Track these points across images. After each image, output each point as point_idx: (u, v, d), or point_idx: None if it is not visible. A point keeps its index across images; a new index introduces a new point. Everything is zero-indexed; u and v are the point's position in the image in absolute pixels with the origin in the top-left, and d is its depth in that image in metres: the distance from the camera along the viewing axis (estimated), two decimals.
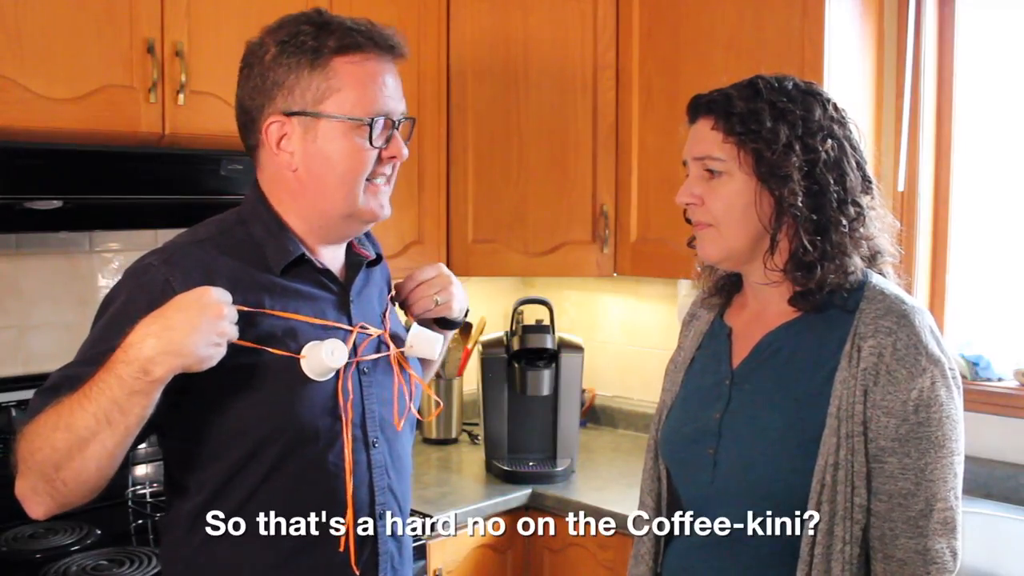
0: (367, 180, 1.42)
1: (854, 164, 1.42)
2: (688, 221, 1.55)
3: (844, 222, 1.40)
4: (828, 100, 1.44)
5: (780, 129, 1.39)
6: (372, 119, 1.39)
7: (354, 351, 1.44)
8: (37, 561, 1.94)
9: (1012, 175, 2.42)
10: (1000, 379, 2.40)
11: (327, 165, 1.40)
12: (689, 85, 2.50)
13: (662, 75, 2.56)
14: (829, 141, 1.40)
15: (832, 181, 1.39)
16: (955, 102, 2.47)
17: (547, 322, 2.64)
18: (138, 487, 2.34)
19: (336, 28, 1.39)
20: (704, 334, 1.58)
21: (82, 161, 1.94)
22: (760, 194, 1.40)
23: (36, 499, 1.29)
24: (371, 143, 1.40)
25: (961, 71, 2.47)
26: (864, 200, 1.43)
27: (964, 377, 2.41)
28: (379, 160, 1.42)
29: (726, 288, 1.57)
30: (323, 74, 1.38)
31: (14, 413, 2.12)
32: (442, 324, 1.67)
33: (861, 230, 1.42)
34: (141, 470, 2.35)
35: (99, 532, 2.08)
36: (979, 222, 2.48)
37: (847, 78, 2.34)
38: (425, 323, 1.61)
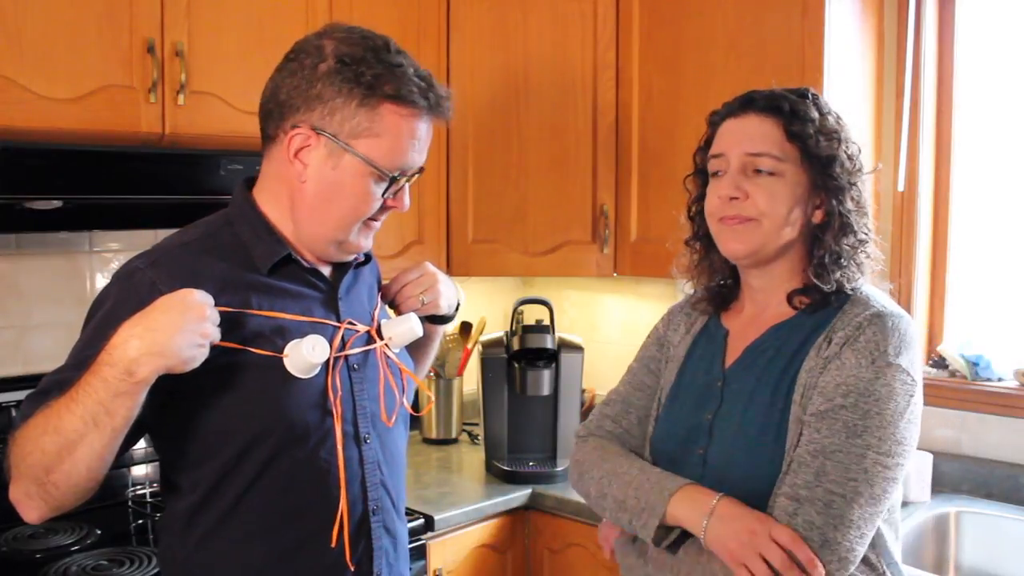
0: (365, 220, 1.44)
1: (866, 185, 1.49)
2: (691, 219, 1.57)
3: (868, 236, 1.46)
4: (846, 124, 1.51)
5: (850, 144, 1.46)
6: (394, 175, 1.41)
7: (342, 346, 1.44)
8: (37, 561, 1.94)
9: (1012, 175, 2.42)
10: (1000, 379, 2.40)
11: (335, 194, 1.40)
12: (689, 85, 2.51)
13: (662, 75, 2.56)
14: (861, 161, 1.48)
15: (861, 196, 1.47)
16: (955, 102, 2.48)
17: (547, 322, 2.64)
18: (138, 487, 2.34)
19: (400, 75, 1.37)
20: (698, 334, 1.59)
21: (82, 161, 1.94)
22: (812, 199, 1.45)
23: (30, 503, 1.30)
24: (382, 195, 1.42)
25: (961, 71, 2.47)
26: (868, 218, 1.49)
27: (964, 377, 2.41)
28: (381, 207, 1.44)
29: (721, 295, 1.59)
30: (369, 114, 1.37)
31: (14, 413, 2.11)
32: (434, 320, 1.68)
33: (869, 245, 1.47)
34: (141, 470, 2.35)
35: (99, 532, 2.08)
36: (979, 222, 2.48)
37: (847, 78, 2.34)
38: (420, 320, 1.61)
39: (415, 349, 1.68)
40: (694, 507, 1.36)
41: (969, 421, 2.37)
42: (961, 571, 2.25)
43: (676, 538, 1.42)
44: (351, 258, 1.51)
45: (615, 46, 2.65)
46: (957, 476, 2.34)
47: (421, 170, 1.48)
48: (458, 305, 1.73)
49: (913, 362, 1.38)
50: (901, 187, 2.48)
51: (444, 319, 1.70)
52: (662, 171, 2.57)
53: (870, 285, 1.48)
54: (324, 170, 1.39)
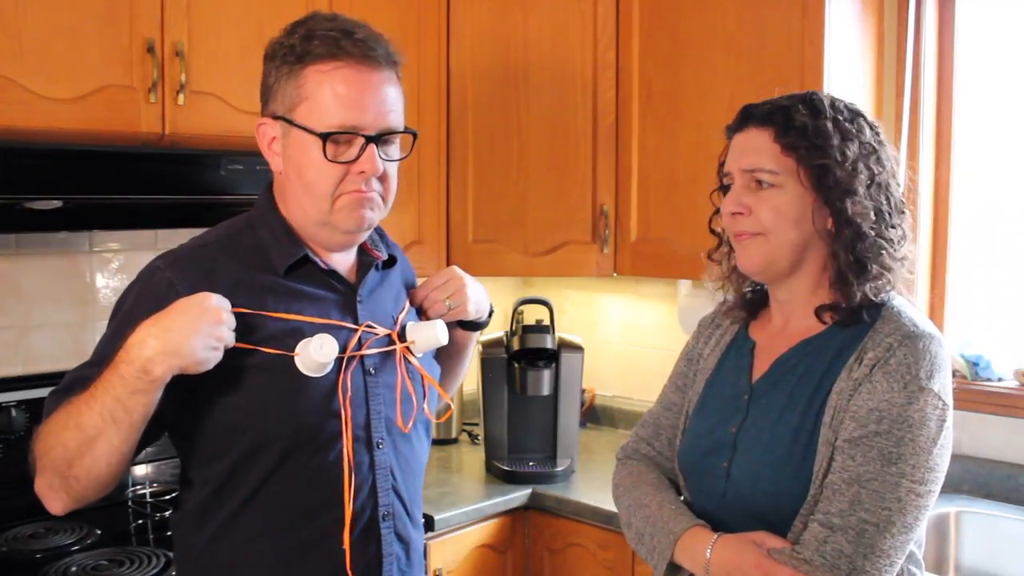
0: (344, 193, 1.38)
1: (895, 185, 1.45)
2: (714, 233, 1.56)
3: (894, 240, 1.42)
4: (872, 123, 1.46)
5: (848, 147, 1.40)
6: (324, 134, 1.35)
7: (357, 347, 1.44)
8: (37, 561, 1.94)
9: (1012, 175, 2.42)
10: (1000, 379, 2.40)
11: (297, 173, 1.40)
12: (689, 85, 2.51)
13: (662, 75, 2.56)
14: (881, 162, 1.43)
15: (884, 201, 1.42)
16: (955, 102, 2.48)
17: (547, 322, 2.64)
18: (138, 487, 2.34)
19: (320, 36, 1.37)
20: (728, 345, 1.59)
21: (82, 161, 1.94)
22: (818, 208, 1.41)
23: (53, 495, 1.34)
24: (326, 157, 1.36)
25: (961, 71, 2.47)
26: (903, 221, 1.45)
27: (964, 377, 2.41)
28: (347, 174, 1.38)
29: (753, 302, 1.58)
30: (296, 81, 1.38)
31: (14, 413, 2.11)
32: (465, 326, 1.66)
33: (902, 251, 1.43)
34: (141, 470, 2.35)
35: (99, 532, 2.08)
36: (979, 222, 2.48)
37: (847, 78, 2.34)
38: (450, 326, 1.60)
39: (446, 359, 1.66)
40: (694, 554, 1.41)
41: (969, 421, 2.37)
42: (961, 571, 2.25)
43: None
44: (355, 241, 1.47)
45: (615, 46, 2.65)
46: (957, 476, 2.34)
47: (414, 134, 1.45)
48: (491, 311, 1.70)
49: (945, 385, 1.36)
50: (901, 187, 2.48)
51: (476, 325, 1.68)
52: (662, 171, 2.57)
53: (901, 297, 1.45)
54: (286, 152, 1.40)
